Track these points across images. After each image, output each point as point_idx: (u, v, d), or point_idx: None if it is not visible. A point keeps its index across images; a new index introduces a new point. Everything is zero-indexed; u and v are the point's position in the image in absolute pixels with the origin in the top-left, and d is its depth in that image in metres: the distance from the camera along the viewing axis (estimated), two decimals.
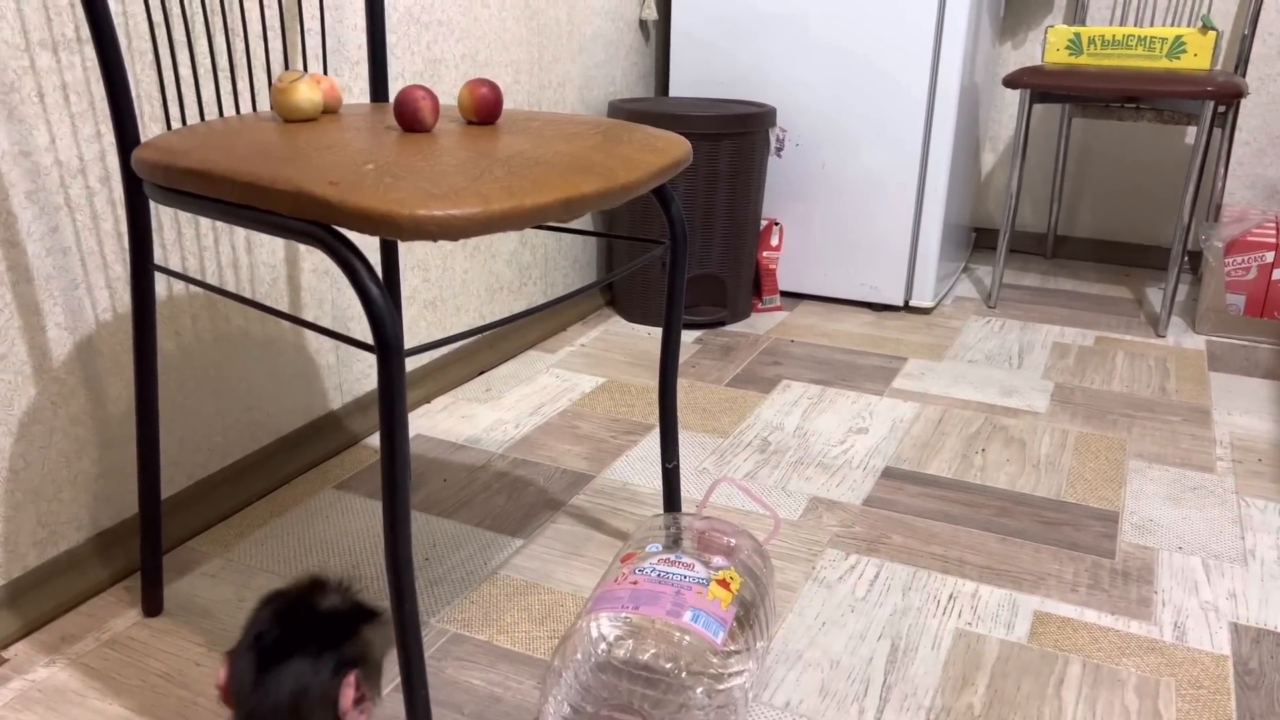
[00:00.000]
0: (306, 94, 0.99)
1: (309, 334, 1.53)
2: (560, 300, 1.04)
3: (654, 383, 1.92)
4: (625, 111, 2.11)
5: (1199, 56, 2.26)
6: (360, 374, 1.66)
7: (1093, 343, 2.19)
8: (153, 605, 1.19)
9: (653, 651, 0.90)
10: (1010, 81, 2.25)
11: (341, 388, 1.62)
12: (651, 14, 2.39)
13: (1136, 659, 1.15)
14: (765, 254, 2.34)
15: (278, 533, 1.37)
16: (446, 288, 1.84)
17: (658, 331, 2.21)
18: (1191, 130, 2.63)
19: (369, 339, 1.56)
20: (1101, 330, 2.27)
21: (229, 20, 1.17)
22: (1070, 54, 2.38)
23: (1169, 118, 2.43)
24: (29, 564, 1.17)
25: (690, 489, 1.51)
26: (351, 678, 0.71)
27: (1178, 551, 1.37)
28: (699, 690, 0.89)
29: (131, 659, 1.11)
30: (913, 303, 2.35)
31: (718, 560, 1.02)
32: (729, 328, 2.25)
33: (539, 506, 1.46)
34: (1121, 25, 2.60)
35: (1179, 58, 2.27)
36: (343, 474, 1.53)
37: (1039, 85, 2.22)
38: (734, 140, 2.09)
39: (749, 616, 0.99)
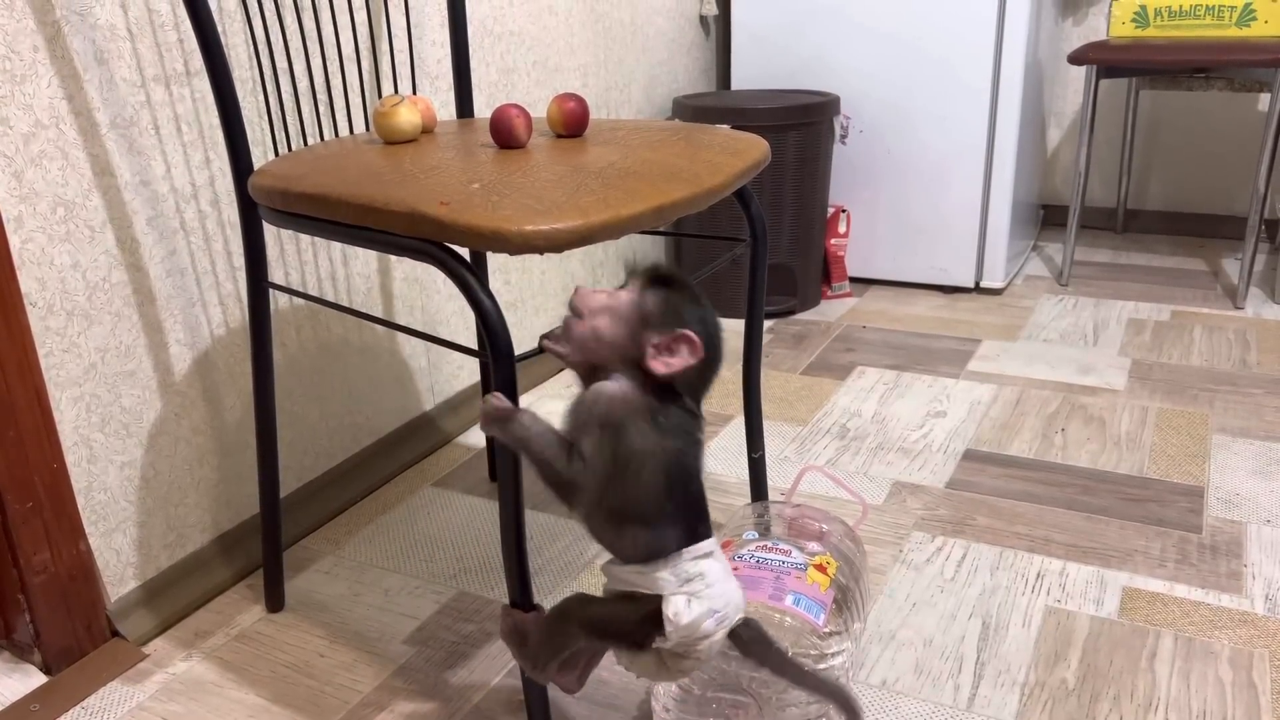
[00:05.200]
0: (407, 117, 1.05)
1: (402, 339, 1.60)
2: None
3: (728, 373, 1.95)
4: (690, 108, 2.15)
5: (1270, 23, 2.23)
6: (450, 375, 1.73)
7: (1169, 317, 2.17)
8: (275, 602, 1.27)
9: None
10: (1076, 58, 2.24)
11: (434, 389, 1.69)
12: (712, 9, 2.42)
13: (1229, 631, 1.16)
14: (833, 241, 2.36)
15: (384, 530, 1.44)
16: (525, 289, 1.90)
17: (728, 323, 2.24)
18: (1265, 96, 2.58)
19: (461, 340, 1.62)
20: (1178, 304, 2.25)
21: (324, 47, 1.23)
22: (1137, 27, 2.36)
23: (1241, 86, 2.40)
24: (161, 565, 1.26)
25: (774, 478, 1.54)
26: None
27: (1266, 525, 1.37)
28: None
29: (261, 652, 1.19)
30: (983, 283, 2.35)
31: (812, 545, 1.06)
32: (800, 316, 2.28)
33: None
34: None
35: (1249, 25, 2.24)
36: (439, 472, 1.60)
37: (1106, 60, 2.21)
38: (799, 130, 2.12)
39: (845, 599, 1.03)
